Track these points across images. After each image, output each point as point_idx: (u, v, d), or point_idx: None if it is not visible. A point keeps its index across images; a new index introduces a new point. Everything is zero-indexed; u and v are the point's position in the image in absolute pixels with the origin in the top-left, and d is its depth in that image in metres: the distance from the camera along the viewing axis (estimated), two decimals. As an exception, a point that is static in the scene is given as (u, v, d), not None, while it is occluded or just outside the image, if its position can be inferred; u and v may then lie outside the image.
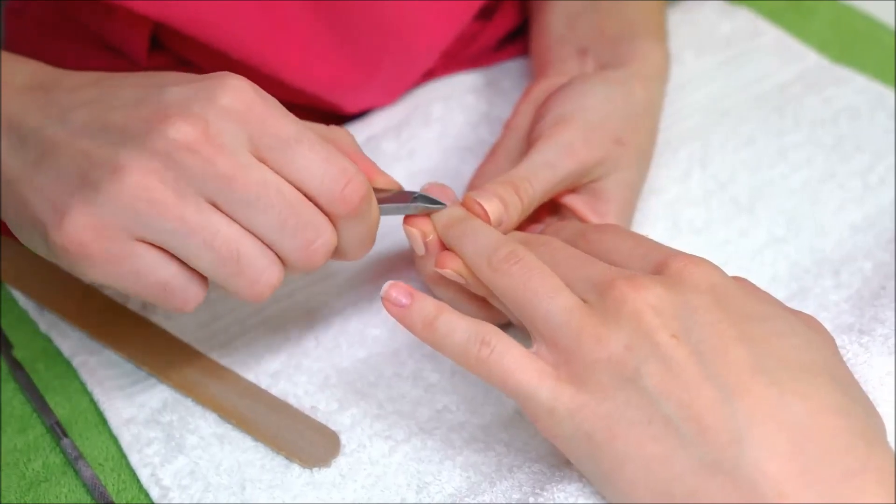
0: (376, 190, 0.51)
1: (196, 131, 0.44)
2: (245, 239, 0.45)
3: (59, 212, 0.45)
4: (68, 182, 0.45)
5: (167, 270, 0.46)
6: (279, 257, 0.47)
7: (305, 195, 0.46)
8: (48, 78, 0.49)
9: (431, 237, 0.51)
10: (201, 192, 0.45)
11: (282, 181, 0.45)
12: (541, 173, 0.53)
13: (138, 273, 0.46)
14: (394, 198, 0.51)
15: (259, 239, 0.46)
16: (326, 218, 0.47)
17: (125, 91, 0.47)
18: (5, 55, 0.51)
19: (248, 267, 0.46)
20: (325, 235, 0.47)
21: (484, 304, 0.51)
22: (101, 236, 0.44)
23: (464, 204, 0.51)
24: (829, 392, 0.41)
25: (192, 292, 0.47)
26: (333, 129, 0.51)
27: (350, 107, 0.67)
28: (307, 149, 0.46)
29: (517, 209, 0.52)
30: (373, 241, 0.50)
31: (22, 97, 0.48)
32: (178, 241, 0.45)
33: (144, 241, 0.45)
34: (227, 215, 0.45)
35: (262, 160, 0.46)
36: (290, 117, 0.46)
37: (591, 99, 0.57)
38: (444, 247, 0.51)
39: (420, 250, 0.51)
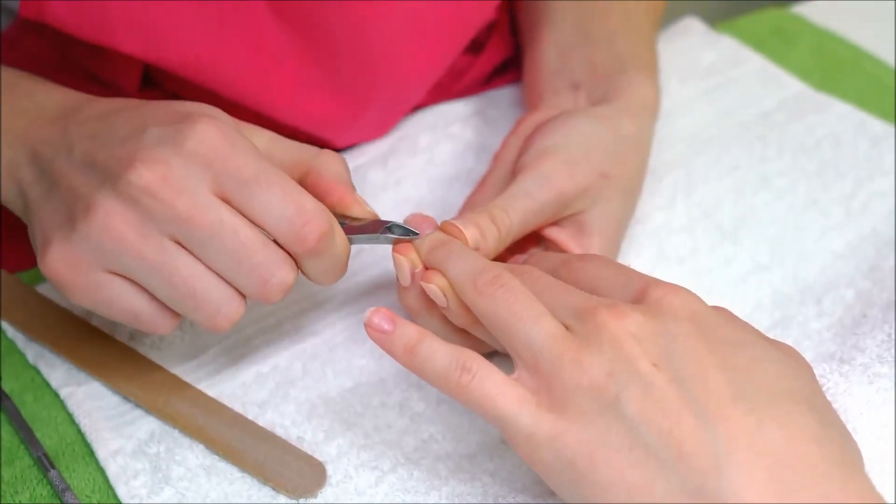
0: (351, 219, 0.52)
1: (156, 176, 0.47)
2: (204, 276, 0.48)
3: (45, 243, 0.49)
4: (58, 215, 0.49)
5: (137, 301, 0.50)
6: (239, 292, 0.49)
7: (267, 233, 0.49)
8: (72, 106, 0.53)
9: (419, 269, 0.51)
10: (164, 231, 0.48)
11: (239, 221, 0.48)
12: (518, 202, 0.54)
13: (110, 301, 0.49)
14: (366, 227, 0.52)
15: (218, 275, 0.49)
16: (285, 255, 0.49)
17: (121, 127, 0.50)
18: (40, 81, 0.55)
19: (205, 302, 0.49)
20: (279, 274, 0.49)
21: (465, 335, 0.51)
22: (74, 269, 0.48)
23: (442, 229, 0.52)
24: (807, 420, 0.41)
25: (164, 320, 0.51)
26: (322, 155, 0.53)
27: (341, 142, 0.67)
28: (265, 189, 0.48)
29: (494, 237, 0.52)
30: (342, 270, 0.52)
31: (48, 127, 0.52)
32: (142, 277, 0.49)
33: (116, 274, 0.49)
34: (190, 252, 0.48)
35: (225, 200, 0.48)
36: (254, 157, 0.48)
37: (576, 133, 0.58)
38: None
39: (405, 280, 0.51)
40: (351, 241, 0.52)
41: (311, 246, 0.49)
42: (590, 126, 0.58)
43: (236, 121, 0.52)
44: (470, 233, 0.51)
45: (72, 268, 0.48)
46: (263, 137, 0.52)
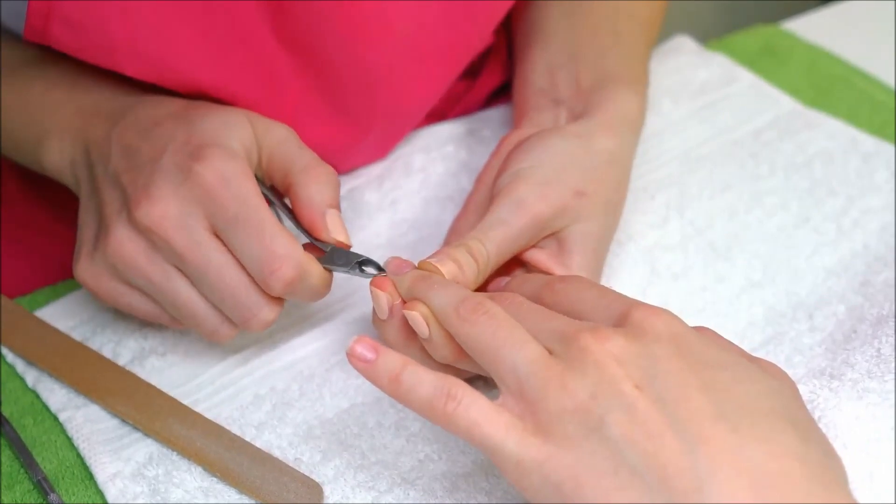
0: (325, 245, 0.54)
1: (158, 213, 0.52)
2: (200, 302, 0.54)
3: (77, 255, 0.56)
4: (90, 228, 0.56)
5: (153, 309, 0.56)
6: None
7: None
8: (119, 109, 0.57)
9: (397, 302, 0.52)
10: (168, 260, 0.53)
11: (226, 261, 0.53)
12: (494, 232, 0.54)
13: (130, 306, 0.56)
14: (339, 260, 0.54)
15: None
16: (266, 297, 0.53)
17: (146, 146, 0.55)
18: (99, 76, 0.59)
19: (203, 323, 0.55)
20: (260, 315, 0.54)
21: (447, 366, 0.51)
22: (98, 280, 0.55)
23: (420, 268, 0.52)
24: (789, 438, 0.41)
25: (179, 323, 0.56)
26: (303, 173, 0.55)
27: (340, 167, 0.68)
28: (243, 231, 0.52)
29: (472, 270, 0.53)
30: (320, 296, 0.55)
31: (99, 127, 0.57)
32: (152, 294, 0.55)
33: (133, 286, 0.55)
34: (189, 281, 0.54)
35: (218, 236, 0.53)
36: (239, 198, 0.52)
37: (547, 153, 0.58)
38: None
39: (383, 313, 0.52)
40: (330, 270, 0.54)
41: (279, 290, 0.52)
42: (561, 145, 0.58)
43: (255, 117, 0.56)
44: (447, 268, 0.52)
45: (96, 279, 0.55)
46: (280, 132, 0.56)
